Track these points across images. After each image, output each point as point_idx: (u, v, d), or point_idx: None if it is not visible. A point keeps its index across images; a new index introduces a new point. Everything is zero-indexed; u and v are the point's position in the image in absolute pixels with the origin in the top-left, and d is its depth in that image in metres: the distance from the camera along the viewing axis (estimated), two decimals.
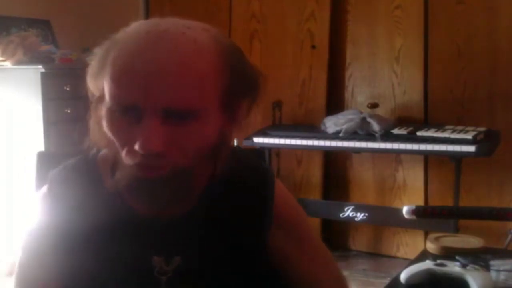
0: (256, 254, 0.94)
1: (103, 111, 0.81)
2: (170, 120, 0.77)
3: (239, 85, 0.83)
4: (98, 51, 0.83)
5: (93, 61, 0.83)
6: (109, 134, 0.81)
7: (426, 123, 3.31)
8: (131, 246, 0.88)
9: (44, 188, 0.93)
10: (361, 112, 3.20)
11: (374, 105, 3.26)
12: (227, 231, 0.92)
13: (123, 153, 0.80)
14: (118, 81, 0.77)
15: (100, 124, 0.83)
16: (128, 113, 0.78)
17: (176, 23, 0.81)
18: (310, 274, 0.98)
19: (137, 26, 0.81)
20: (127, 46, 0.78)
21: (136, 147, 0.77)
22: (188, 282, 0.90)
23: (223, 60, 0.81)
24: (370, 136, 3.03)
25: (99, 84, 0.82)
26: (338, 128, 3.11)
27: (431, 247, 1.46)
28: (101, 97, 0.82)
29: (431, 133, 2.94)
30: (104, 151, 0.93)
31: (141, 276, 0.88)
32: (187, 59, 0.77)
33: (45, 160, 1.27)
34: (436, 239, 1.48)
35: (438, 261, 1.28)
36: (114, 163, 0.86)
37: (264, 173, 0.98)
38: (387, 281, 1.44)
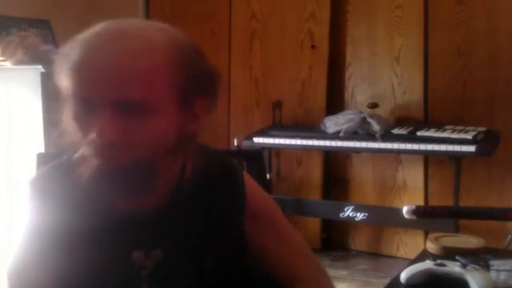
0: (233, 246, 0.98)
1: (66, 105, 0.86)
2: (123, 113, 0.81)
3: (195, 82, 0.86)
4: (63, 50, 0.86)
5: (59, 60, 0.86)
6: (72, 127, 0.85)
7: (426, 123, 3.31)
8: (112, 242, 0.90)
9: (27, 194, 0.96)
10: (361, 112, 3.20)
11: (374, 105, 3.26)
12: (203, 224, 0.95)
13: (83, 141, 0.84)
14: (74, 76, 0.82)
15: (70, 121, 0.86)
16: (84, 106, 0.82)
17: (134, 23, 0.86)
18: (289, 263, 1.03)
19: (98, 26, 0.85)
20: (85, 44, 0.82)
21: (91, 137, 0.81)
22: (168, 276, 0.92)
23: (178, 58, 0.84)
24: (370, 136, 3.03)
25: (63, 80, 0.85)
26: (338, 128, 3.11)
27: (431, 247, 1.46)
28: (64, 86, 0.85)
29: (431, 133, 2.94)
30: (79, 154, 0.93)
31: (122, 272, 0.91)
32: (138, 55, 0.81)
33: (45, 161, 1.28)
34: (436, 239, 1.48)
35: (438, 261, 1.28)
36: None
37: (233, 168, 1.02)
38: (387, 281, 1.44)
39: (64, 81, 0.84)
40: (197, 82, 0.86)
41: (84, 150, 0.86)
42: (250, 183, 1.02)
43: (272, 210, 1.05)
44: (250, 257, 1.01)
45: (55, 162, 0.97)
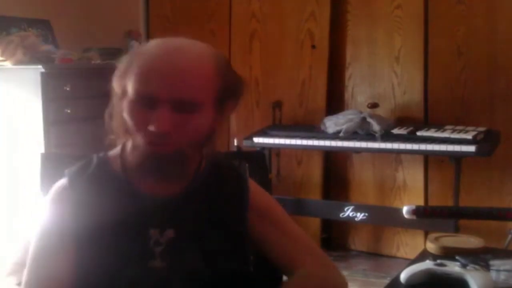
0: (237, 235, 1.11)
1: (124, 104, 1.04)
2: (177, 110, 1.00)
3: (228, 89, 1.07)
4: (124, 58, 1.07)
5: (120, 65, 1.06)
6: (128, 120, 1.03)
7: (426, 123, 3.31)
8: (133, 220, 1.06)
9: (62, 183, 1.10)
10: (361, 112, 3.20)
11: (374, 105, 3.26)
12: (213, 211, 1.11)
13: (138, 135, 1.02)
14: (141, 78, 1.01)
15: (121, 115, 1.05)
16: (146, 102, 1.00)
17: (184, 41, 1.06)
18: (290, 252, 1.14)
19: (156, 41, 1.06)
20: (149, 53, 1.03)
21: (151, 128, 0.99)
22: (178, 254, 1.06)
23: (218, 70, 1.05)
24: (370, 136, 3.03)
25: (123, 83, 1.04)
26: (338, 128, 3.11)
27: (431, 247, 1.46)
28: (124, 93, 1.04)
29: (431, 133, 2.94)
30: (113, 151, 1.13)
31: (139, 246, 1.05)
32: (193, 65, 1.02)
33: (49, 161, 1.30)
34: (436, 239, 1.48)
35: (438, 261, 1.28)
36: (124, 154, 1.09)
37: (238, 169, 1.20)
38: (387, 281, 1.44)
39: (126, 82, 1.03)
40: (230, 89, 1.07)
41: (131, 141, 1.05)
42: (253, 183, 1.18)
43: (273, 207, 1.18)
44: (254, 247, 1.13)
45: (92, 157, 1.13)
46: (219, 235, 1.09)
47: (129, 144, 1.09)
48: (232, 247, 1.10)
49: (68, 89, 3.08)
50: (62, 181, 1.11)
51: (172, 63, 1.01)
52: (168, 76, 1.00)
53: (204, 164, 1.13)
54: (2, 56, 3.02)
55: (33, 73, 2.96)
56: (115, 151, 1.13)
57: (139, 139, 1.02)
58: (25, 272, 1.06)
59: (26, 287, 1.05)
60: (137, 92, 1.01)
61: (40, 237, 1.07)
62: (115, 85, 1.07)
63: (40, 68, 2.94)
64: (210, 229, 1.09)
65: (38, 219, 1.09)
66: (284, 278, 1.23)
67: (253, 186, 1.18)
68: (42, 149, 2.94)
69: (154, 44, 1.06)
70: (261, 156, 1.48)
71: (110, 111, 1.09)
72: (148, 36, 4.03)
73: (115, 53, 3.69)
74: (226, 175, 1.16)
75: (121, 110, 1.05)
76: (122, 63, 1.06)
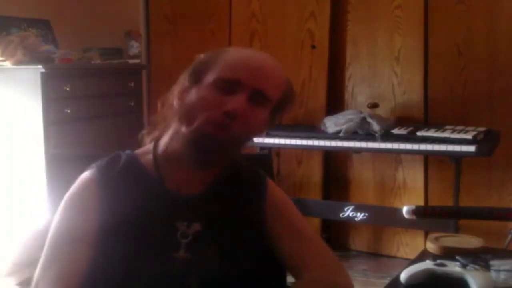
0: (254, 229, 1.16)
1: (193, 91, 1.12)
2: (252, 100, 1.10)
3: (284, 102, 1.18)
4: (206, 55, 1.17)
5: (200, 59, 1.16)
6: (195, 104, 1.10)
7: (426, 123, 3.31)
8: (161, 214, 1.11)
9: (89, 176, 1.14)
10: (361, 112, 3.20)
11: (374, 105, 3.26)
12: (234, 208, 1.16)
13: (203, 116, 1.08)
14: (231, 65, 1.12)
15: (183, 100, 1.13)
16: (226, 87, 1.09)
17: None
18: (300, 252, 1.16)
19: (239, 47, 1.21)
20: (240, 50, 1.20)
21: (228, 107, 1.07)
22: (202, 246, 1.10)
23: (286, 82, 1.19)
24: (370, 136, 3.03)
25: (201, 72, 1.13)
26: (338, 128, 3.11)
27: (431, 247, 1.46)
28: (196, 81, 1.13)
29: (431, 133, 2.94)
30: (140, 149, 1.20)
31: (166, 238, 1.10)
32: (276, 67, 1.17)
33: (55, 161, 1.31)
34: (436, 239, 1.48)
35: (438, 261, 1.28)
36: (157, 150, 1.16)
37: (259, 171, 1.25)
38: (387, 281, 1.44)
39: (205, 71, 1.12)
40: (284, 102, 1.18)
41: (176, 129, 1.12)
42: (272, 184, 1.24)
43: (289, 207, 1.23)
44: (267, 244, 1.17)
45: (119, 152, 1.18)
46: (236, 234, 1.14)
47: (165, 138, 1.16)
48: (247, 247, 1.14)
49: (68, 89, 3.08)
50: (90, 174, 1.15)
51: (261, 60, 1.15)
52: (257, 67, 1.13)
53: (230, 163, 1.19)
54: (2, 56, 3.02)
55: (33, 73, 2.96)
56: (144, 148, 1.20)
57: (198, 122, 1.08)
58: (41, 263, 1.08)
59: (41, 277, 1.06)
60: (222, 77, 1.10)
61: (61, 229, 1.10)
62: (187, 75, 1.15)
63: (40, 68, 2.94)
64: (230, 228, 1.14)
65: (60, 210, 1.12)
66: (288, 279, 1.23)
67: (271, 186, 1.23)
68: (42, 149, 2.94)
69: (239, 47, 1.21)
70: (267, 159, 1.54)
71: (163, 99, 1.18)
72: (148, 36, 4.03)
73: (115, 53, 3.69)
74: (246, 175, 1.22)
75: (183, 97, 1.13)
76: (203, 58, 1.17)
